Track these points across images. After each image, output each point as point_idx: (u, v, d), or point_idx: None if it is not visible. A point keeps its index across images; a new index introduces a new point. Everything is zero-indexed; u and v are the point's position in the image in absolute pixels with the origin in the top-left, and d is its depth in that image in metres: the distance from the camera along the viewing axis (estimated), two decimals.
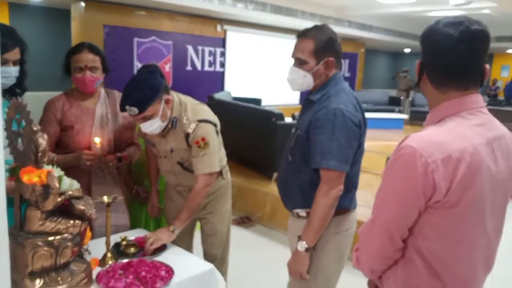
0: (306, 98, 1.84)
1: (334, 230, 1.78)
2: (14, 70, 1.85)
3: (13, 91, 1.92)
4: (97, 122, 2.18)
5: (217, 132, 2.11)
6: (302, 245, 1.72)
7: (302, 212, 1.81)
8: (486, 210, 1.11)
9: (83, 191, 2.04)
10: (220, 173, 2.24)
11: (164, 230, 1.99)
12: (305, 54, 1.74)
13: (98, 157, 2.10)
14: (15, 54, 1.86)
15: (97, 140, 2.07)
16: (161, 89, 1.93)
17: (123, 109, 1.92)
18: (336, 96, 1.71)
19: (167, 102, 1.98)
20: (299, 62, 1.77)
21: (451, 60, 1.11)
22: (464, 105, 1.13)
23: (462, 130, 1.10)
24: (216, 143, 2.08)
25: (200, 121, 2.03)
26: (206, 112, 2.11)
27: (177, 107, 2.05)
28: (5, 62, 1.81)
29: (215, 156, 2.07)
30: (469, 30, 1.09)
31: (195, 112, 2.06)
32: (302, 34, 1.78)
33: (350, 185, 1.77)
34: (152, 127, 1.96)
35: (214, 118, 2.12)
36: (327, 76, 1.77)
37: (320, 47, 1.73)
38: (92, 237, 2.06)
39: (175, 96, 2.07)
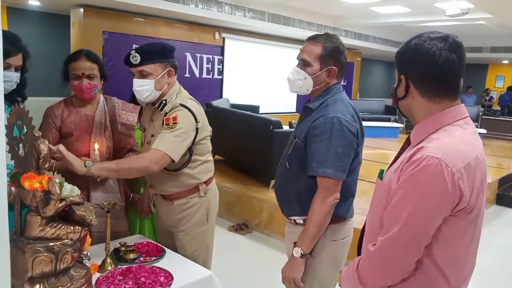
0: (305, 106, 1.86)
1: (330, 237, 1.80)
2: (15, 76, 1.87)
3: (13, 98, 1.93)
4: (96, 129, 2.19)
5: (197, 129, 1.99)
6: (297, 251, 1.73)
7: (299, 219, 1.83)
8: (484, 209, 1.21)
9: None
10: (196, 188, 2.11)
11: (79, 161, 1.80)
12: (311, 57, 1.77)
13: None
14: (18, 60, 1.89)
15: (95, 146, 2.08)
16: (170, 57, 2.03)
17: (125, 59, 1.97)
18: (335, 105, 1.74)
19: (169, 75, 2.02)
20: (303, 64, 1.80)
21: (447, 70, 1.15)
22: (459, 115, 1.19)
23: (469, 139, 1.16)
24: (187, 132, 1.94)
25: (181, 105, 1.98)
26: (194, 105, 2.05)
27: (174, 91, 2.05)
28: (7, 67, 1.83)
29: (180, 143, 1.92)
30: (456, 42, 1.17)
31: (183, 100, 2.03)
32: (312, 38, 1.81)
33: (347, 194, 1.79)
34: (143, 87, 1.97)
35: (199, 115, 2.02)
36: (327, 84, 1.80)
37: (326, 54, 1.76)
38: (91, 243, 2.06)
39: (178, 85, 2.10)
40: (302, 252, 1.73)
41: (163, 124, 1.95)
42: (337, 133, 1.67)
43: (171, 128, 1.91)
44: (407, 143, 1.30)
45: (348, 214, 1.86)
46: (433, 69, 1.16)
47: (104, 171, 1.85)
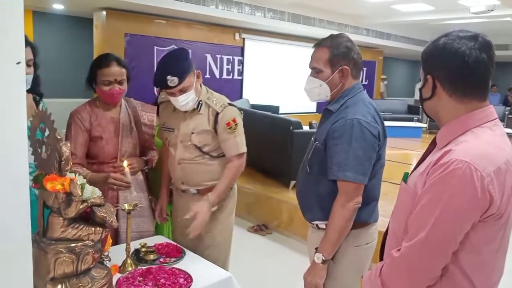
0: (325, 108, 1.83)
1: (353, 243, 1.76)
2: (29, 77, 1.85)
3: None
4: (123, 131, 2.22)
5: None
6: (319, 257, 1.70)
7: (322, 224, 1.79)
8: None
9: (111, 198, 2.08)
10: None
11: (201, 204, 2.02)
12: (320, 63, 1.75)
13: (126, 182, 2.08)
14: (27, 53, 1.88)
15: (125, 164, 2.05)
16: (193, 63, 2.09)
17: (160, 84, 2.03)
18: (355, 106, 1.71)
19: (198, 76, 2.12)
20: (315, 72, 1.77)
21: (477, 70, 1.12)
22: (487, 116, 1.15)
23: (497, 142, 1.11)
24: (242, 126, 2.16)
25: (229, 104, 2.15)
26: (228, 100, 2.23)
27: (204, 92, 2.16)
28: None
29: (244, 137, 2.17)
30: (486, 41, 1.13)
31: (222, 98, 2.19)
32: (317, 44, 1.79)
33: (370, 198, 1.75)
34: (187, 99, 2.05)
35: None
36: (344, 85, 1.77)
37: (334, 56, 1.73)
38: (118, 242, 2.09)
39: (202, 85, 2.19)
40: (323, 258, 1.69)
41: (215, 122, 2.08)
42: (357, 136, 1.63)
43: (234, 130, 2.10)
44: (433, 145, 1.26)
45: (372, 219, 1.81)
46: (463, 69, 1.12)
47: (218, 198, 2.09)
